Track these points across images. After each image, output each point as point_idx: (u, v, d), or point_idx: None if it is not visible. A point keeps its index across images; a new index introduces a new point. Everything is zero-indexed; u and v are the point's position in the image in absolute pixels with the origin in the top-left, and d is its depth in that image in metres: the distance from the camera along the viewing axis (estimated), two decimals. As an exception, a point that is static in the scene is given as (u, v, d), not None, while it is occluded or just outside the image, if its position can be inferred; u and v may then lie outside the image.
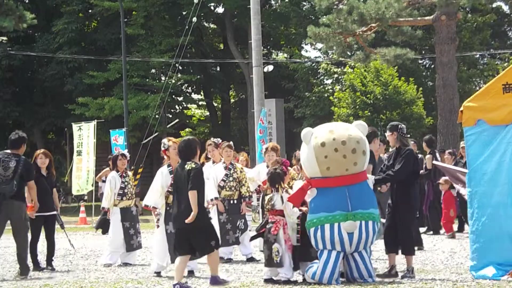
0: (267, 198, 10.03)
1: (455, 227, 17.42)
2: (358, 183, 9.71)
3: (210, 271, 9.50)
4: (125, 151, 14.01)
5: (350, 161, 9.61)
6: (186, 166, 9.29)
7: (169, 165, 10.94)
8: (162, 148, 11.08)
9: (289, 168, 10.63)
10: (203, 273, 11.14)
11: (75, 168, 27.06)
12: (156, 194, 10.89)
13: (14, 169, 11.30)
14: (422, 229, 16.03)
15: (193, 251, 9.36)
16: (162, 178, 10.87)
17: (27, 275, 11.34)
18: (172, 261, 10.95)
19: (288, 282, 9.71)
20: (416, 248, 13.58)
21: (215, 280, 9.43)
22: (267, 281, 9.86)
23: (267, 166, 13.28)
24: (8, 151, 11.58)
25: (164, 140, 11.15)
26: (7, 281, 11.18)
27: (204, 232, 9.26)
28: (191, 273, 10.96)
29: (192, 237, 9.23)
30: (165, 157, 11.09)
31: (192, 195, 9.11)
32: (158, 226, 11.04)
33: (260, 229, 10.10)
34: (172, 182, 10.29)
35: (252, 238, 10.69)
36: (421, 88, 29.28)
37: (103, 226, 13.35)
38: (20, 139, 11.67)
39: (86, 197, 31.26)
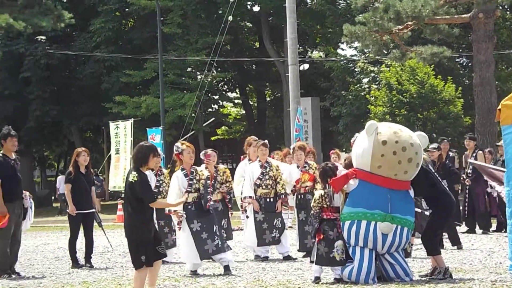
0: (318, 194, 9.71)
1: (493, 225, 17.29)
2: (401, 190, 9.70)
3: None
4: (159, 149, 14.05)
5: (402, 168, 9.57)
6: (130, 177, 8.58)
7: (183, 169, 11.18)
8: (176, 152, 11.24)
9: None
10: (206, 271, 11.18)
11: (112, 166, 27.30)
12: (176, 198, 10.97)
13: None
14: (459, 229, 15.86)
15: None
16: (179, 181, 11.11)
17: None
18: (202, 258, 11.03)
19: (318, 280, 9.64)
20: (455, 247, 13.60)
21: None
22: (317, 278, 9.64)
23: (297, 166, 13.28)
24: None
25: (178, 144, 11.32)
26: (47, 278, 11.33)
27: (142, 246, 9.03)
28: (194, 272, 11.02)
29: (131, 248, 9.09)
30: (177, 161, 11.30)
31: (157, 204, 8.86)
32: (180, 228, 11.15)
33: (316, 232, 9.62)
34: (188, 183, 11.00)
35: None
36: (460, 87, 29.00)
37: None
38: None
39: (123, 195, 31.49)
